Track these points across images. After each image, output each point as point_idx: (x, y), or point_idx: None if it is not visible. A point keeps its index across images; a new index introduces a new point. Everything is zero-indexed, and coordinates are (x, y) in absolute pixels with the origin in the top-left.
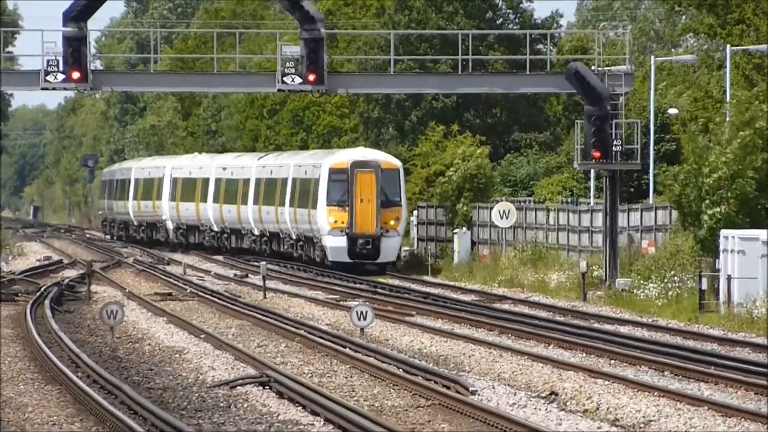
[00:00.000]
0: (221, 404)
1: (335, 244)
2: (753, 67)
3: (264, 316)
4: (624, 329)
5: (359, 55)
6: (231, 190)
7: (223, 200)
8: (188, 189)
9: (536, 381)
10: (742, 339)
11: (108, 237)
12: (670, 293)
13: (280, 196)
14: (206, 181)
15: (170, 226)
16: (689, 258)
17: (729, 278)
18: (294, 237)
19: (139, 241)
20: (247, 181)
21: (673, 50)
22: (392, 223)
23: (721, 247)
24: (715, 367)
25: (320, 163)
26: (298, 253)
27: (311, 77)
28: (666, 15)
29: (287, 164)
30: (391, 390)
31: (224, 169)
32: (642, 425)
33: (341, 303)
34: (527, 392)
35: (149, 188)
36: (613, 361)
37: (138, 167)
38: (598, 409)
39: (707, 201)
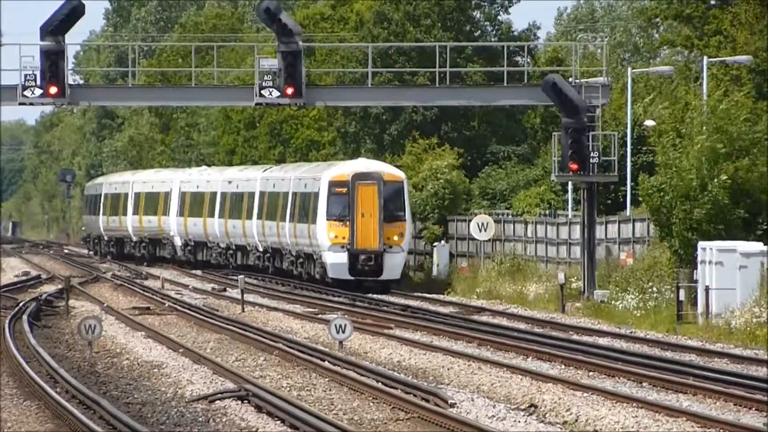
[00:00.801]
0: (200, 419)
1: (336, 261)
2: (730, 79)
3: (242, 329)
4: (602, 341)
5: (337, 68)
6: (236, 205)
7: (228, 215)
8: (196, 203)
9: (515, 393)
10: (720, 350)
11: (91, 253)
12: (648, 304)
13: (282, 210)
14: (214, 195)
15: (178, 242)
16: (667, 269)
17: (707, 289)
18: (294, 253)
19: (139, 259)
20: (252, 195)
21: (651, 62)
22: (396, 238)
23: (699, 259)
24: (694, 378)
25: (320, 175)
26: (298, 271)
27: (289, 90)
28: (643, 27)
29: (288, 177)
30: (371, 403)
31: (230, 182)
32: None
33: (320, 316)
34: (506, 404)
35: (153, 202)
36: (591, 373)
37: (139, 181)
38: (577, 420)
39: (680, 209)
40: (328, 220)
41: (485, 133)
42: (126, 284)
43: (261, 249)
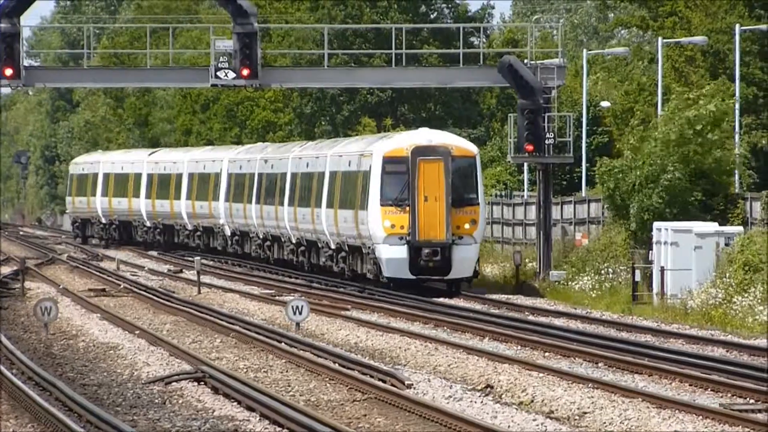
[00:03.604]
0: (156, 400)
1: (393, 256)
2: (684, 60)
3: (199, 311)
4: (558, 321)
5: (293, 50)
6: (270, 188)
7: (264, 200)
8: (239, 187)
9: (471, 374)
10: (676, 330)
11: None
12: (604, 285)
13: (317, 194)
14: (252, 177)
15: (228, 232)
16: (622, 250)
17: (662, 270)
18: (333, 246)
19: (194, 249)
20: (284, 177)
21: (608, 43)
22: (467, 226)
23: (654, 239)
24: (649, 359)
25: (370, 150)
26: (340, 267)
27: (245, 72)
28: (599, 8)
29: (324, 155)
30: (327, 384)
31: (266, 161)
32: (576, 417)
33: (276, 297)
34: (463, 385)
35: (204, 185)
36: (547, 354)
37: (192, 160)
38: (532, 401)
39: (639, 193)
40: (382, 205)
41: (441, 114)
42: (82, 266)
43: (294, 241)
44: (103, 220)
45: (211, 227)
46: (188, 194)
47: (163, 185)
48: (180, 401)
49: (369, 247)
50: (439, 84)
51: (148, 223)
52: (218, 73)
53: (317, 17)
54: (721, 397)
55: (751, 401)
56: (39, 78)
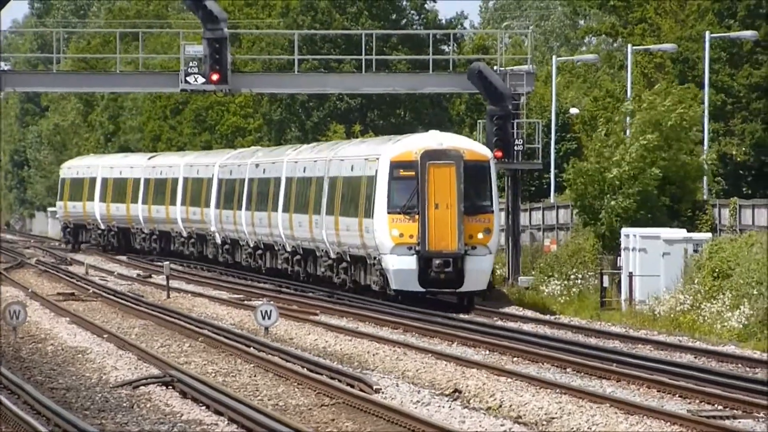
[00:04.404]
0: (124, 404)
1: (401, 267)
2: (654, 66)
3: (167, 315)
4: (527, 327)
5: (263, 55)
6: (263, 194)
7: (255, 206)
8: (229, 193)
9: (440, 379)
10: (644, 336)
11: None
12: (572, 291)
13: (315, 200)
14: (242, 182)
15: (218, 239)
16: (591, 256)
17: (630, 276)
18: (333, 256)
19: (188, 257)
20: (278, 181)
21: (578, 50)
22: (480, 236)
23: (623, 245)
24: (617, 365)
25: (376, 153)
26: (340, 278)
27: (214, 77)
28: (569, 16)
29: (324, 158)
30: (296, 389)
31: (257, 166)
32: (544, 422)
33: (245, 302)
34: (431, 390)
35: (198, 191)
36: (516, 359)
37: (187, 164)
38: (501, 406)
39: (608, 196)
40: (389, 213)
41: (411, 120)
42: (50, 270)
43: (289, 249)
44: (102, 226)
45: (204, 235)
46: (183, 200)
47: (160, 191)
48: (148, 405)
49: (374, 258)
50: (408, 90)
51: (146, 230)
52: (188, 78)
53: (287, 23)
54: (689, 403)
55: (719, 407)
56: (9, 82)
